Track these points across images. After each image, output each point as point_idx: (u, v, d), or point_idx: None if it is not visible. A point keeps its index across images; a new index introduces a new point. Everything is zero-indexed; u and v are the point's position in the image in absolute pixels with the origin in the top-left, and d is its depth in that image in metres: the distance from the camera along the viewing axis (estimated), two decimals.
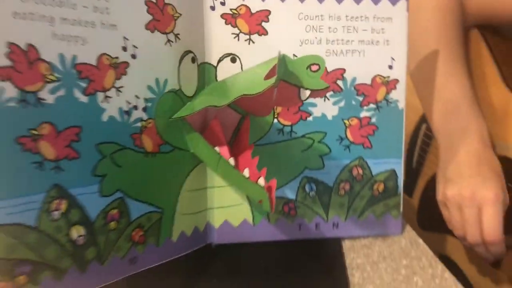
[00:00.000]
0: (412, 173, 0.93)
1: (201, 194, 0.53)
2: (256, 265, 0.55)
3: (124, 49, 0.44)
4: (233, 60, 0.53)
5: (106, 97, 0.43)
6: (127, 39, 0.44)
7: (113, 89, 0.44)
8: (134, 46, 0.45)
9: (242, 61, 0.54)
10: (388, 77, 0.58)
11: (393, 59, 0.58)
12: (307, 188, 0.57)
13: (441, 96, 0.69)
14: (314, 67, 0.44)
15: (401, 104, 0.59)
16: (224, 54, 0.53)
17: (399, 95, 0.59)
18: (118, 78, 0.44)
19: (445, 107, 0.68)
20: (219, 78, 0.53)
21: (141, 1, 0.46)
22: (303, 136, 0.57)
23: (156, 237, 0.48)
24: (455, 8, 0.73)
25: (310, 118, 0.57)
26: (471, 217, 0.62)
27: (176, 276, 0.51)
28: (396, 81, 0.59)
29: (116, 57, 0.44)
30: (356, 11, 0.56)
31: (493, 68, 0.75)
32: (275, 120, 0.56)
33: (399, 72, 0.58)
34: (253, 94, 0.41)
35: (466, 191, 0.63)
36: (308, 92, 0.45)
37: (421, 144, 0.90)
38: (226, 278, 0.52)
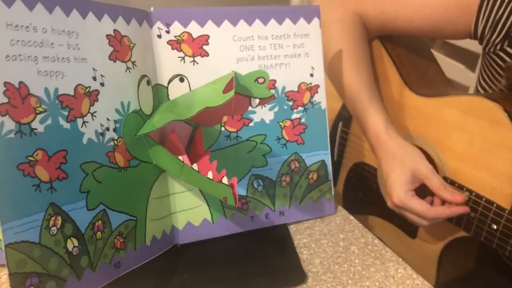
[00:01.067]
0: (334, 165, 1.01)
1: (165, 201, 0.58)
2: (218, 256, 0.60)
3: (94, 78, 0.48)
4: (181, 80, 0.58)
5: (84, 122, 0.47)
6: (95, 69, 0.49)
7: (89, 115, 0.48)
8: (102, 75, 0.49)
9: (189, 80, 0.59)
10: (311, 83, 0.67)
11: (313, 68, 0.67)
12: (255, 184, 0.64)
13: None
14: (261, 80, 0.52)
15: (323, 105, 0.68)
16: (173, 75, 0.58)
17: (321, 98, 0.68)
18: (92, 104, 0.48)
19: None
20: (171, 96, 0.58)
21: (103, 35, 0.50)
22: (247, 139, 0.64)
23: (133, 242, 0.53)
24: (356, 19, 0.81)
25: (251, 124, 0.63)
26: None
27: (149, 276, 0.55)
28: (317, 86, 0.67)
29: (89, 86, 0.48)
30: (280, 30, 0.64)
31: (393, 68, 0.86)
32: (223, 128, 0.61)
33: (319, 79, 0.67)
34: (216, 106, 0.46)
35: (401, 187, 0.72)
36: (257, 101, 0.51)
37: (340, 140, 1.00)
38: (195, 272, 0.57)
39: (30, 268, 0.41)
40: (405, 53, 0.89)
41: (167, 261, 0.57)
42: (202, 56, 0.59)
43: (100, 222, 0.48)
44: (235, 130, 0.62)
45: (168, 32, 0.57)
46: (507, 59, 0.75)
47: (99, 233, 0.48)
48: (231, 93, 0.46)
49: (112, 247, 0.49)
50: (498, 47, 0.76)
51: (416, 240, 0.81)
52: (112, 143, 0.50)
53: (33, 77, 0.42)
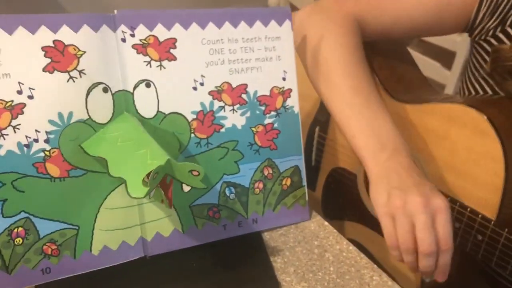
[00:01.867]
0: (312, 170, 0.93)
1: (128, 211, 0.54)
2: (189, 267, 0.55)
3: (20, 92, 0.47)
4: (148, 85, 0.53)
5: (2, 135, 0.44)
6: (22, 83, 0.46)
7: (10, 127, 0.47)
8: (31, 88, 0.47)
9: (156, 86, 0.54)
10: (283, 87, 0.60)
11: (285, 71, 0.59)
12: (227, 191, 0.58)
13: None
14: (195, 173, 0.47)
15: (296, 109, 0.64)
16: (139, 81, 0.53)
17: (293, 102, 0.63)
18: (14, 117, 0.47)
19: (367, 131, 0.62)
20: (137, 102, 0.52)
21: (37, 48, 0.48)
22: (218, 146, 0.58)
23: (72, 250, 0.51)
24: (354, 29, 0.70)
25: (222, 130, 0.58)
26: (427, 224, 0.52)
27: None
28: (290, 90, 0.62)
29: (11, 100, 0.46)
30: (250, 33, 0.57)
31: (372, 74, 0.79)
32: (192, 135, 0.55)
33: (291, 82, 0.62)
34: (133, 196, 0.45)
35: (419, 198, 0.53)
36: (189, 188, 0.53)
37: (317, 145, 0.91)
38: (165, 284, 0.53)
39: None
40: (383, 55, 0.82)
41: (136, 272, 0.53)
42: (170, 60, 0.53)
43: (20, 228, 0.47)
44: (205, 136, 0.56)
45: (133, 35, 0.52)
46: (496, 43, 0.69)
47: (18, 239, 0.47)
48: (145, 191, 0.43)
49: (39, 253, 0.48)
50: (491, 33, 0.69)
51: None
52: (42, 154, 0.47)
53: None
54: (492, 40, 0.69)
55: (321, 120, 0.87)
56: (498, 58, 0.68)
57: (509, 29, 0.65)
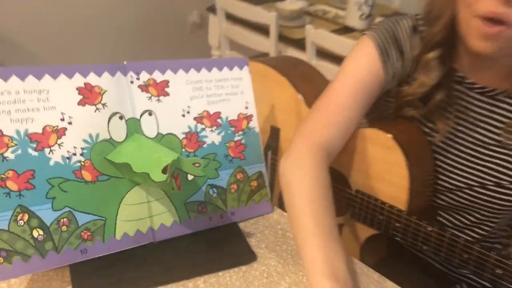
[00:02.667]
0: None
1: (141, 207, 0.70)
2: (186, 248, 0.71)
3: (62, 120, 0.62)
4: (150, 114, 0.71)
5: (51, 150, 0.61)
6: (64, 113, 0.63)
7: (56, 145, 0.63)
8: (70, 117, 0.64)
9: (156, 114, 0.71)
10: (246, 113, 0.80)
11: (247, 102, 0.80)
12: (210, 191, 0.74)
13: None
14: (197, 165, 0.66)
15: (257, 129, 0.84)
16: (143, 111, 0.71)
17: (254, 124, 0.83)
18: (59, 138, 0.63)
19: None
20: (143, 126, 0.70)
21: (73, 88, 0.65)
22: (203, 157, 0.75)
23: (101, 236, 0.66)
24: (325, 177, 0.76)
25: (205, 145, 0.75)
26: None
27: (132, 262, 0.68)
28: (251, 115, 0.82)
29: (57, 125, 0.62)
30: (220, 75, 0.78)
31: (291, 89, 1.01)
32: (183, 150, 0.71)
33: (252, 110, 0.82)
34: (154, 182, 0.62)
35: None
36: (192, 176, 0.72)
37: (271, 166, 1.07)
38: (169, 259, 0.69)
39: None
40: (302, 77, 1.04)
41: (147, 252, 0.69)
42: (164, 96, 0.72)
43: (65, 219, 0.62)
44: (193, 150, 0.74)
45: (138, 79, 0.70)
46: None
47: (64, 227, 0.62)
48: (166, 176, 0.61)
49: (78, 238, 0.63)
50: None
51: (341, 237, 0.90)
52: (78, 164, 0.63)
53: (7, 124, 0.59)
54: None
55: (273, 145, 1.04)
56: (400, 95, 0.85)
57: (409, 80, 0.84)
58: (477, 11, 0.69)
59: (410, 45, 0.83)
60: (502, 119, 0.81)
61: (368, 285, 0.69)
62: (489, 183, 0.83)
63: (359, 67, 0.82)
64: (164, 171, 0.63)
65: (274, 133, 1.02)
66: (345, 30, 2.18)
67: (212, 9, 2.44)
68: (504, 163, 0.82)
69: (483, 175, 0.83)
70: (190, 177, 0.72)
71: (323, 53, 2.01)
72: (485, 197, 0.84)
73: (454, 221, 0.89)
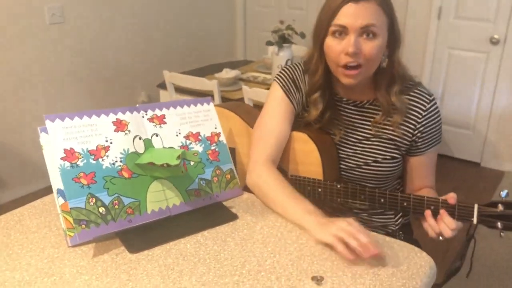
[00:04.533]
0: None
1: (160, 193, 1.01)
2: (190, 218, 1.02)
3: (106, 141, 0.93)
4: (156, 135, 1.04)
5: (103, 159, 0.91)
6: (107, 137, 0.94)
7: (105, 156, 0.92)
8: (110, 139, 0.95)
9: (160, 135, 1.03)
10: (216, 131, 1.16)
11: (215, 124, 1.15)
12: (201, 182, 1.08)
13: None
14: (195, 154, 1.03)
15: (224, 142, 1.19)
16: (152, 134, 1.04)
17: (223, 138, 1.18)
18: (106, 152, 0.93)
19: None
20: (153, 143, 1.03)
21: (109, 122, 0.98)
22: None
23: (139, 211, 0.96)
24: (278, 174, 1.14)
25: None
26: (350, 226, 0.93)
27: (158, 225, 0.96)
28: (220, 133, 1.19)
29: (103, 144, 0.92)
30: (197, 109, 1.14)
31: (240, 119, 1.35)
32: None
33: (219, 129, 1.19)
34: (173, 165, 0.94)
35: (342, 221, 0.95)
36: (193, 162, 1.05)
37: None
38: (178, 224, 0.99)
39: (81, 217, 0.87)
40: (238, 109, 1.41)
41: (164, 221, 0.99)
42: (164, 124, 1.04)
43: (116, 200, 0.91)
44: None
45: (146, 114, 1.03)
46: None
47: (116, 206, 0.91)
48: (179, 161, 0.94)
49: (125, 212, 0.93)
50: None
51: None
52: (120, 167, 0.93)
53: (75, 145, 0.91)
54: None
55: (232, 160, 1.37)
56: (303, 119, 1.24)
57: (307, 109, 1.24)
58: (339, 63, 1.09)
59: (303, 82, 1.24)
60: (370, 119, 1.22)
61: None
62: (370, 160, 1.21)
63: (275, 103, 1.23)
64: (177, 158, 0.95)
65: (231, 151, 1.32)
66: None
67: (162, 86, 2.82)
68: (377, 147, 1.21)
69: (365, 157, 1.21)
70: (192, 163, 1.04)
71: (256, 106, 2.39)
72: (370, 171, 1.22)
73: None
